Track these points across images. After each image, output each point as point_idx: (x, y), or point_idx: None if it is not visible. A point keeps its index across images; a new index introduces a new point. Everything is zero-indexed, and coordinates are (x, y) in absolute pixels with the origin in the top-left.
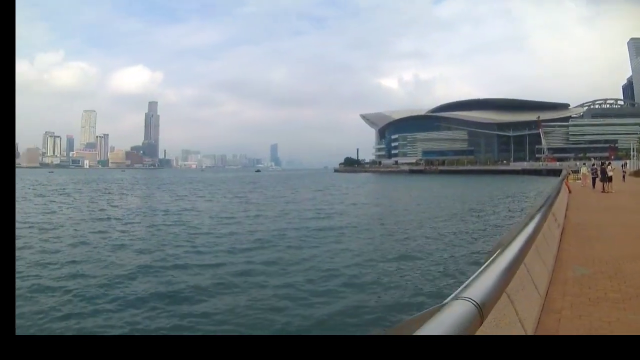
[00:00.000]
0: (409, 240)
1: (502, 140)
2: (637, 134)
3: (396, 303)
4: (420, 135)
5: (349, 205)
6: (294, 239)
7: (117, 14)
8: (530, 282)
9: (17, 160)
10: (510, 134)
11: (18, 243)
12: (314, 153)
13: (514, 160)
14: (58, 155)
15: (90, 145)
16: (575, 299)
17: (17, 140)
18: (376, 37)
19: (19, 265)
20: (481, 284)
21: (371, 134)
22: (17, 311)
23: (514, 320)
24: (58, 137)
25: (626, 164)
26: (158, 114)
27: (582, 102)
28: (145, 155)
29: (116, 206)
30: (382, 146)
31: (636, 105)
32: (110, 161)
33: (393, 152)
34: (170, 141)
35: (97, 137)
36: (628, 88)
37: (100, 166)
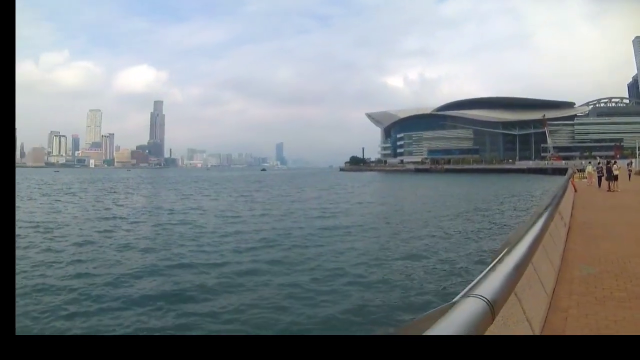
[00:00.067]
0: (415, 239)
1: (508, 139)
2: None
3: (403, 302)
4: (425, 134)
5: (355, 204)
6: (300, 237)
7: (121, 14)
8: (537, 281)
9: (22, 160)
10: (516, 132)
11: (24, 242)
12: (320, 152)
13: (520, 159)
14: (64, 154)
15: (95, 145)
16: (581, 298)
17: (23, 140)
18: (381, 35)
19: (25, 265)
20: (491, 282)
21: (377, 132)
22: (22, 310)
23: (521, 318)
24: (63, 136)
25: (632, 162)
26: (163, 113)
27: (587, 101)
28: (151, 154)
29: (122, 205)
30: (388, 145)
31: None
32: (115, 160)
33: (399, 151)
34: (175, 140)
35: (102, 136)
36: (633, 86)
37: (105, 165)
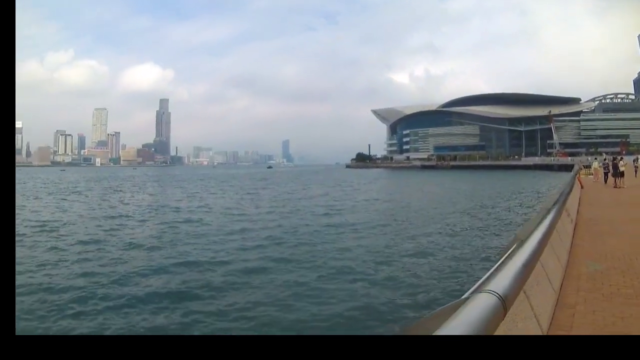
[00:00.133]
0: (422, 236)
1: (514, 135)
2: None
3: (411, 300)
4: (431, 130)
5: (361, 201)
6: (306, 235)
7: (126, 12)
8: (545, 278)
9: (28, 159)
10: (522, 128)
11: (29, 241)
12: (326, 149)
13: (526, 155)
14: (70, 153)
15: (101, 143)
16: (588, 295)
17: (29, 140)
18: (386, 31)
19: (32, 264)
20: (502, 278)
21: (383, 129)
22: (28, 309)
23: (529, 315)
24: (69, 135)
25: (638, 158)
26: (169, 111)
27: (593, 97)
28: (157, 152)
29: (128, 203)
30: (394, 141)
31: None
32: (121, 159)
33: (405, 147)
34: (181, 138)
35: (108, 135)
36: (639, 82)
37: (111, 164)
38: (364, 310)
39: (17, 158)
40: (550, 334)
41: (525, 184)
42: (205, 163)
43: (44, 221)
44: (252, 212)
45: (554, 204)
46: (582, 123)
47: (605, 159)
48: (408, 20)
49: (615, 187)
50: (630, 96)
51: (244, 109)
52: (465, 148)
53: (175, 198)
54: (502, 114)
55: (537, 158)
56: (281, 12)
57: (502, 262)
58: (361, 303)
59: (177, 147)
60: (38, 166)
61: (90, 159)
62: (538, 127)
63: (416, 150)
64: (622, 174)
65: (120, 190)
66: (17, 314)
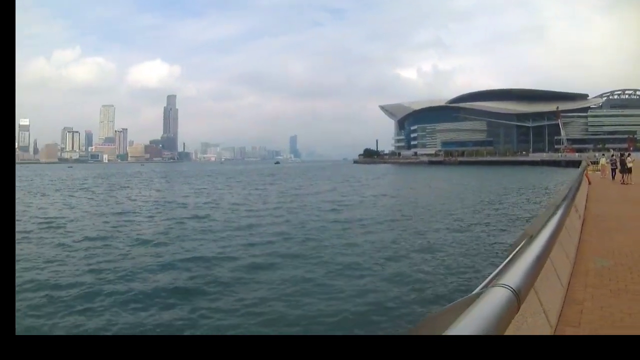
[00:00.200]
0: (430, 232)
1: (521, 130)
2: None
3: (421, 296)
4: (439, 126)
5: (369, 196)
6: (314, 230)
7: (133, 10)
8: (553, 273)
9: (35, 156)
10: (530, 124)
11: (36, 237)
12: (333, 144)
13: (533, 151)
14: (77, 150)
15: (109, 140)
16: (596, 291)
17: (36, 137)
18: (394, 28)
19: (39, 261)
20: (515, 272)
21: (390, 125)
22: (36, 305)
23: (538, 310)
24: (77, 132)
25: None
26: (177, 107)
27: (600, 93)
28: (165, 148)
29: (135, 200)
30: (402, 137)
31: None
32: (129, 155)
33: (412, 143)
34: (189, 134)
35: (115, 131)
36: None
37: (119, 160)
38: (372, 306)
39: (24, 155)
40: (558, 329)
41: (533, 180)
42: (213, 159)
43: (51, 218)
44: (260, 208)
45: (563, 200)
46: (589, 119)
47: (612, 155)
48: (415, 16)
49: (622, 183)
50: (637, 92)
51: (251, 105)
52: (473, 144)
53: (183, 194)
54: (509, 109)
55: (544, 154)
56: (288, 8)
57: (514, 257)
58: (370, 299)
59: (184, 143)
60: (45, 163)
61: (98, 155)
62: (546, 122)
63: (424, 145)
64: (629, 170)
65: (128, 187)
66: (24, 311)
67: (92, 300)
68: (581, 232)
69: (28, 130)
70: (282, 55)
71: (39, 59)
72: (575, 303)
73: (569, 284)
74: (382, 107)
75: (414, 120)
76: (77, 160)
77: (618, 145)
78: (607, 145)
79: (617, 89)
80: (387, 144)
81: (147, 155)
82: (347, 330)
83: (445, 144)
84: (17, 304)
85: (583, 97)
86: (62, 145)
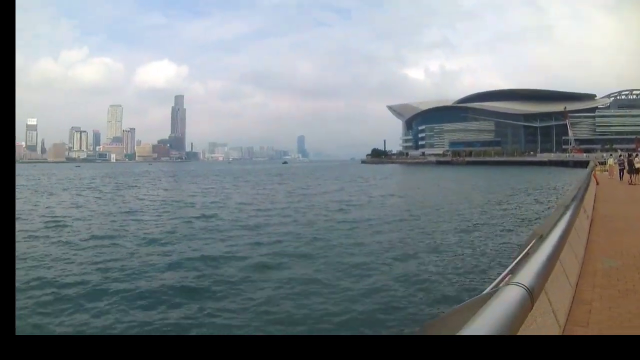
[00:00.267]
0: (438, 233)
1: (529, 131)
2: None
3: (430, 296)
4: (447, 126)
5: (377, 196)
6: (322, 230)
7: (140, 10)
8: (562, 273)
9: (43, 156)
10: (537, 124)
11: (43, 237)
12: (341, 144)
13: (541, 151)
14: (85, 149)
15: (116, 140)
16: (604, 291)
17: (43, 137)
18: (401, 27)
19: (46, 260)
20: (528, 272)
21: (398, 125)
22: (43, 302)
23: (547, 310)
24: (84, 132)
25: None
26: (184, 107)
27: (608, 93)
28: (172, 148)
29: (143, 199)
30: (409, 137)
31: None
32: (137, 155)
33: (420, 143)
34: (197, 134)
35: (123, 131)
36: None
37: (127, 160)
38: (381, 306)
39: (32, 154)
40: (567, 329)
41: (540, 181)
42: (221, 159)
43: (58, 217)
44: (268, 208)
45: (572, 201)
46: (597, 119)
47: (620, 156)
48: (422, 16)
49: (630, 184)
50: None
51: (259, 105)
52: (481, 144)
53: (191, 193)
54: (517, 109)
55: (552, 154)
56: (293, 8)
57: (525, 256)
58: (378, 299)
59: (192, 143)
60: (53, 162)
61: (106, 155)
62: (553, 123)
63: (431, 146)
64: (637, 171)
65: (136, 186)
66: (31, 309)
67: (100, 299)
68: (589, 232)
69: (36, 130)
70: (289, 55)
71: (46, 59)
72: (584, 303)
73: (577, 284)
74: (390, 107)
75: (422, 120)
76: (84, 160)
77: (626, 145)
78: (614, 146)
79: (625, 89)
80: (394, 144)
81: (155, 155)
82: (356, 330)
83: (452, 144)
84: (25, 303)
85: (590, 97)
86: (70, 145)
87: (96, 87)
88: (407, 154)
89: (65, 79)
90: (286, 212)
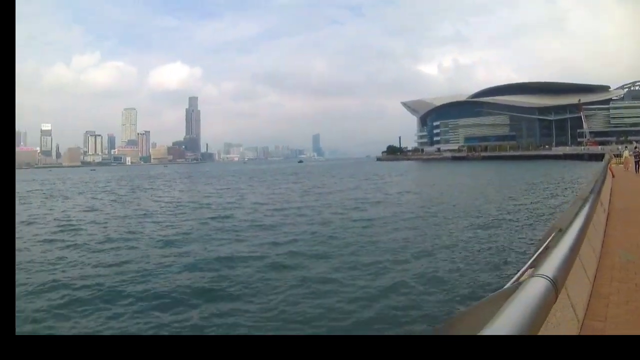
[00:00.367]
0: (455, 230)
1: (544, 124)
2: None
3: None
4: (461, 121)
5: (393, 194)
6: (339, 229)
7: (151, 13)
8: (580, 267)
9: (58, 161)
10: (552, 118)
11: (59, 240)
12: (356, 142)
13: (556, 145)
14: (99, 153)
15: (131, 142)
16: (622, 285)
17: (58, 141)
18: (413, 23)
19: (61, 263)
20: (551, 264)
21: (413, 121)
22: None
23: (566, 304)
24: (99, 135)
25: None
26: (199, 108)
27: (622, 84)
28: (188, 150)
29: (158, 201)
30: (424, 133)
31: None
32: (152, 157)
33: (435, 139)
34: (211, 135)
35: (138, 134)
36: None
37: (142, 162)
38: (400, 305)
39: (47, 159)
40: (585, 323)
41: (556, 175)
42: (236, 159)
43: (73, 221)
44: (283, 207)
45: (590, 194)
46: (611, 111)
47: (635, 148)
48: (434, 11)
49: None
50: None
51: (273, 105)
52: (496, 138)
53: (207, 194)
54: (531, 103)
55: (567, 147)
56: (306, 6)
57: (545, 250)
58: (397, 298)
59: (207, 144)
60: (68, 166)
61: (121, 158)
62: (568, 116)
63: (447, 141)
64: None
65: (151, 188)
66: (47, 310)
67: (116, 301)
68: (606, 225)
69: (50, 135)
70: (302, 54)
71: (59, 64)
72: (602, 297)
73: (595, 278)
74: (404, 104)
75: (436, 116)
76: (100, 163)
77: None
78: (629, 138)
79: (639, 79)
80: (410, 141)
81: (170, 157)
82: (377, 329)
83: (467, 139)
84: (39, 305)
85: (604, 88)
86: (85, 149)
87: (109, 91)
88: (422, 150)
89: (78, 83)
90: (302, 211)
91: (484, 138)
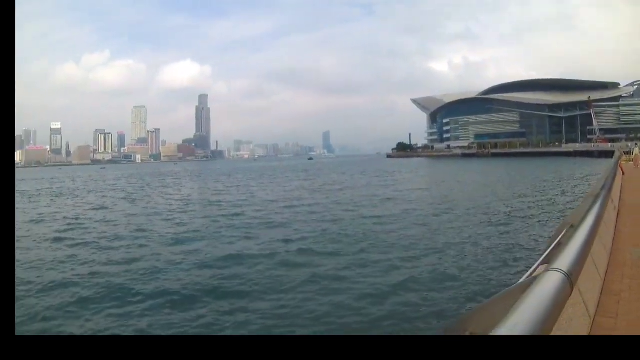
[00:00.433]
0: (466, 227)
1: (554, 121)
2: None
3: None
4: (471, 118)
5: (404, 191)
6: (351, 227)
7: (161, 12)
8: (592, 264)
9: (68, 159)
10: (562, 115)
11: (68, 238)
12: (367, 139)
13: (566, 142)
14: (109, 151)
15: (141, 140)
16: (633, 282)
17: (68, 140)
18: (424, 20)
19: (71, 261)
20: (565, 259)
21: (423, 118)
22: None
23: (578, 300)
24: (109, 134)
25: None
26: (209, 106)
27: (632, 81)
28: (198, 147)
29: (168, 199)
30: (434, 130)
31: None
32: (162, 155)
33: (445, 136)
34: (222, 133)
35: (148, 132)
36: None
37: (152, 160)
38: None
39: (57, 157)
40: (596, 320)
41: (567, 171)
42: (246, 156)
43: (83, 219)
44: (294, 205)
45: (601, 190)
46: (621, 108)
47: None
48: (445, 8)
49: None
50: None
51: (284, 102)
52: (506, 135)
53: (216, 191)
54: (541, 100)
55: (577, 144)
56: (317, 5)
57: (559, 245)
58: (409, 296)
59: (217, 142)
60: (78, 165)
61: (131, 156)
62: (578, 113)
63: (457, 138)
64: None
65: (161, 186)
66: (57, 308)
67: (126, 299)
68: (616, 222)
69: (60, 134)
70: (313, 52)
71: (69, 63)
72: (613, 294)
73: (606, 275)
74: (414, 101)
75: (447, 113)
76: (110, 161)
77: None
78: (639, 135)
79: None
80: (420, 138)
81: (180, 155)
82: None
83: (478, 136)
84: (50, 303)
85: (614, 85)
86: (95, 147)
87: (119, 89)
88: (432, 147)
89: (88, 82)
90: (312, 208)
91: (494, 135)
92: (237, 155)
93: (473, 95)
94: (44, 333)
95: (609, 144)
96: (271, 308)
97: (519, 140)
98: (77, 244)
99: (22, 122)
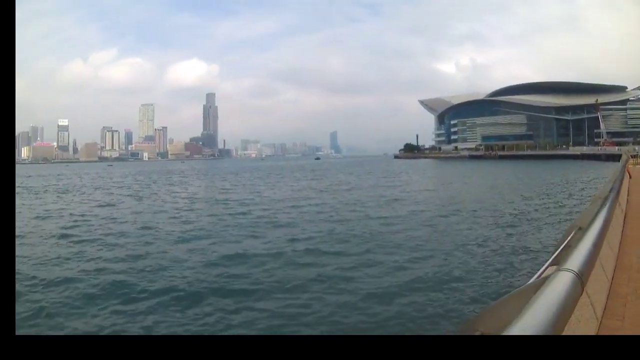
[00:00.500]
0: (473, 229)
1: (561, 124)
2: None
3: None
4: (479, 120)
5: (411, 192)
6: (358, 227)
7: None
8: (599, 266)
9: (75, 156)
10: (569, 117)
11: (74, 234)
12: (374, 139)
13: (573, 145)
14: (117, 149)
15: (149, 138)
16: (639, 285)
17: (75, 137)
18: (432, 21)
19: (76, 256)
20: (575, 260)
21: (430, 119)
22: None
23: (586, 302)
24: (116, 131)
25: None
26: (216, 105)
27: (639, 85)
28: (205, 146)
29: (175, 196)
30: (442, 131)
31: None
32: (169, 153)
33: (452, 137)
34: (229, 131)
35: (155, 130)
36: None
37: (159, 158)
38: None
39: (64, 154)
40: (603, 322)
41: (573, 175)
42: (254, 155)
43: (89, 216)
44: (301, 204)
45: (610, 193)
46: (628, 112)
47: None
48: (451, 9)
49: None
50: None
51: (291, 102)
52: (513, 137)
53: (223, 190)
54: (549, 102)
55: (584, 147)
56: (324, 4)
57: (566, 247)
58: (417, 297)
59: (224, 140)
60: (85, 162)
61: (138, 153)
62: (585, 116)
63: (464, 140)
64: None
65: (168, 184)
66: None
67: (131, 296)
68: (623, 225)
69: (67, 131)
70: (320, 51)
71: (77, 61)
72: (620, 297)
73: (612, 278)
74: (422, 102)
75: (454, 115)
76: (117, 159)
77: None
78: None
79: None
80: (427, 139)
81: (188, 153)
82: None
83: (485, 138)
84: (55, 300)
85: (622, 89)
86: (102, 144)
87: (127, 87)
88: (439, 148)
89: (95, 80)
90: (319, 208)
91: (502, 137)
92: (245, 154)
93: (480, 97)
94: (44, 333)
95: (616, 148)
96: (277, 307)
97: (526, 142)
98: (83, 241)
99: (30, 118)
